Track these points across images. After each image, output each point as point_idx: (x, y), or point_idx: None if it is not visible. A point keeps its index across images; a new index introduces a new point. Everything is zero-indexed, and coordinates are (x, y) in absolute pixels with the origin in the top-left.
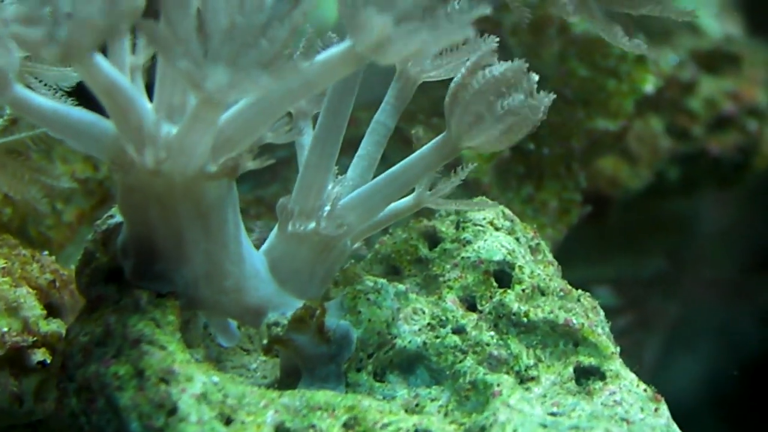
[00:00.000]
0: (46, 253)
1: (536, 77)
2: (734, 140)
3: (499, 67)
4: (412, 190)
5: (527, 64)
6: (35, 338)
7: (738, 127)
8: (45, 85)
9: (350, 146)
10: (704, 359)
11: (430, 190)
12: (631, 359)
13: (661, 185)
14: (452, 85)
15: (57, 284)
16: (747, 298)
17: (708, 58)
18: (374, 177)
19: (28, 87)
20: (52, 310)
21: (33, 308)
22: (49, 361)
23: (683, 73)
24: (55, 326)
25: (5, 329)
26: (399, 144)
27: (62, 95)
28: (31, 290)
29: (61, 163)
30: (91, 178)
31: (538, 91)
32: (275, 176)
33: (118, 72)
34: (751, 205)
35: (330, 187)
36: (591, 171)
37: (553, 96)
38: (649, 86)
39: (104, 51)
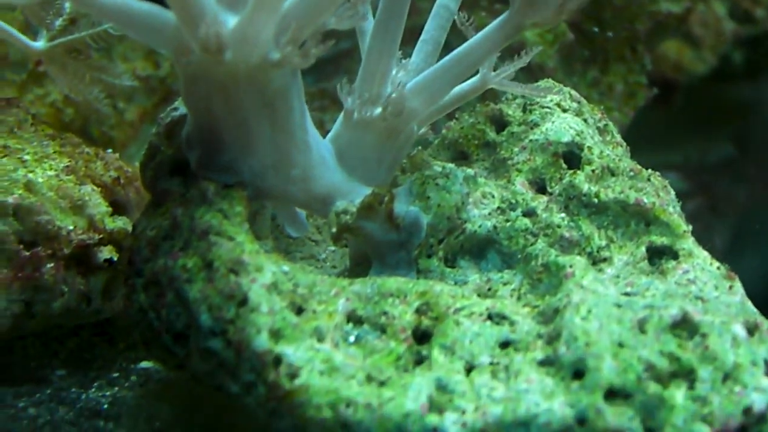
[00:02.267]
0: (110, 151)
1: None
2: None
3: None
4: (477, 73)
5: None
6: (101, 235)
7: None
8: None
9: (413, 35)
10: None
11: (494, 71)
12: (702, 243)
13: (725, 69)
14: None
15: (122, 181)
16: None
17: None
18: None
19: None
20: (118, 207)
21: (98, 205)
22: (116, 259)
23: None
24: (121, 223)
25: (71, 227)
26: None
27: None
28: (95, 188)
29: (122, 61)
30: (153, 76)
31: None
32: (338, 68)
33: None
34: None
35: (394, 72)
36: (655, 55)
37: None
38: None
39: None
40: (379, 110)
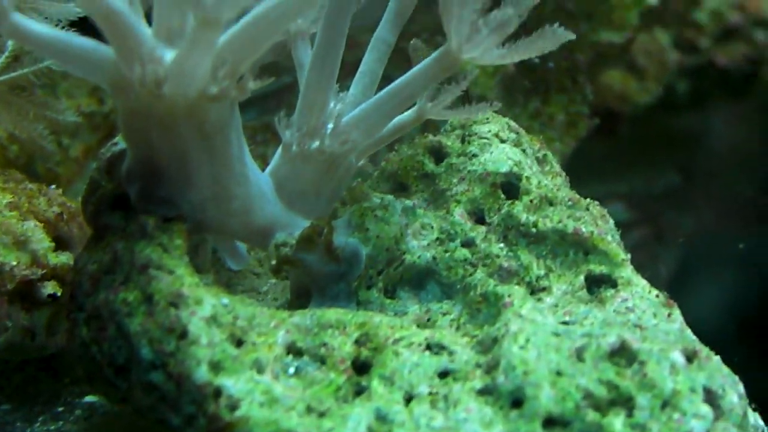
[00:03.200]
0: (54, 187)
1: None
2: (742, 51)
3: None
4: (415, 104)
5: None
6: (44, 271)
7: (745, 37)
8: (47, 20)
9: (352, 68)
10: (720, 272)
11: (432, 102)
12: (646, 272)
13: (670, 99)
14: None
15: (65, 217)
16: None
17: None
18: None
19: None
20: (61, 243)
21: (41, 241)
22: (59, 294)
23: None
24: (64, 258)
25: (14, 263)
26: (401, 63)
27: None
28: (38, 223)
29: (66, 98)
30: (97, 112)
31: (537, 7)
32: (281, 102)
33: None
34: (762, 118)
35: (332, 104)
36: (599, 86)
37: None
38: None
39: None
40: (317, 143)
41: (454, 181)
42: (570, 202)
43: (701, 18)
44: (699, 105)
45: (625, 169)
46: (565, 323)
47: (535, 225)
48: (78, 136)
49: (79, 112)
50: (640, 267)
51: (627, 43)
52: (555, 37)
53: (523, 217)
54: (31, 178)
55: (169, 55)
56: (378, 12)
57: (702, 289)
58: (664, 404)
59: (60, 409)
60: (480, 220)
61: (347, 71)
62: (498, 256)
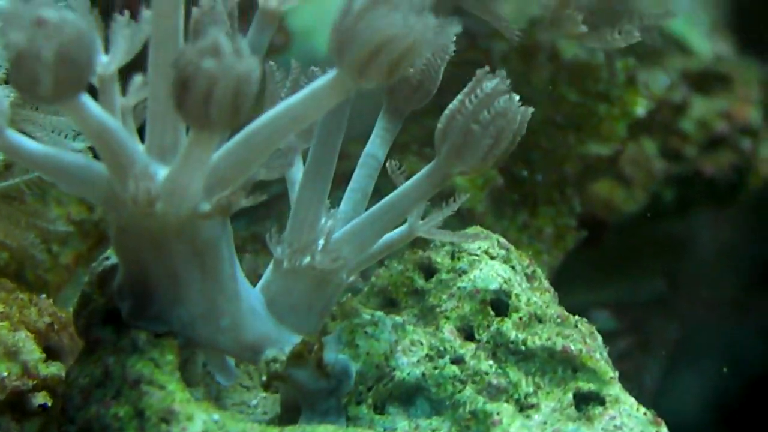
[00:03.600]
0: (44, 296)
1: (517, 97)
2: (728, 160)
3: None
4: (406, 221)
5: (508, 82)
6: (35, 381)
7: (731, 146)
8: (41, 126)
9: (342, 179)
10: (707, 378)
11: (423, 219)
12: (632, 382)
13: (656, 207)
14: (442, 117)
15: (56, 327)
16: (748, 315)
17: (699, 78)
18: (367, 209)
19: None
20: (52, 353)
21: (32, 352)
22: (49, 405)
23: (675, 94)
24: (54, 369)
25: (5, 374)
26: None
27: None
28: (29, 334)
29: (56, 205)
30: (87, 220)
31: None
32: (270, 212)
33: (108, 114)
34: (746, 223)
35: (323, 221)
36: (586, 195)
37: (531, 109)
38: (641, 109)
39: (94, 93)
40: (308, 259)
41: (444, 297)
42: (559, 320)
43: (688, 127)
44: (685, 212)
45: (610, 277)
46: None
47: (524, 342)
48: (68, 243)
49: (69, 219)
50: (625, 378)
51: (615, 155)
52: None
53: (513, 334)
54: (21, 284)
55: (161, 172)
56: (367, 123)
57: (686, 396)
58: None
59: None
60: (469, 336)
61: (336, 182)
62: (487, 374)
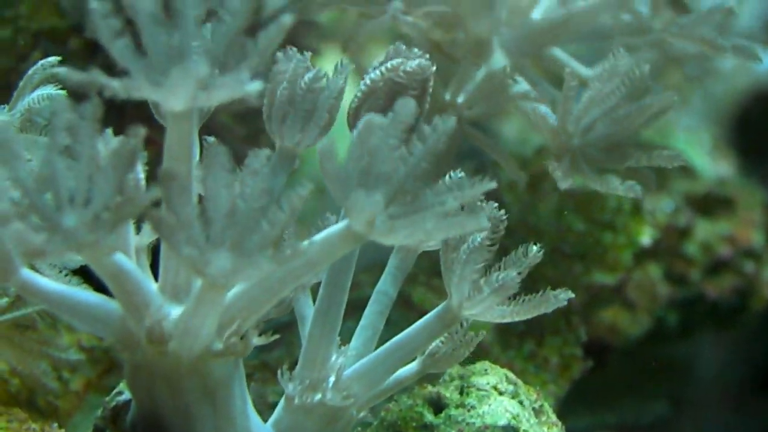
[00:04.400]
0: (56, 425)
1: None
2: (731, 283)
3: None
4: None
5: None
6: None
7: (734, 269)
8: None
9: (352, 308)
10: None
11: (433, 356)
12: None
13: (660, 331)
14: (442, 248)
15: None
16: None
17: (702, 201)
18: (378, 343)
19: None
20: None
21: None
22: None
23: (679, 218)
24: None
25: None
26: (401, 308)
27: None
28: None
29: (67, 332)
30: (97, 347)
31: (534, 244)
32: (279, 340)
33: (123, 256)
34: (750, 347)
35: (334, 357)
36: (592, 322)
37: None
38: (646, 238)
39: None
40: (319, 396)
41: None
42: None
43: (692, 251)
44: (688, 336)
45: (615, 400)
46: None
47: None
48: (78, 370)
49: (79, 346)
50: None
51: (621, 284)
52: (555, 301)
53: None
54: (32, 411)
55: (175, 311)
56: (377, 253)
57: None
58: None
59: None
60: None
61: (346, 312)
62: None
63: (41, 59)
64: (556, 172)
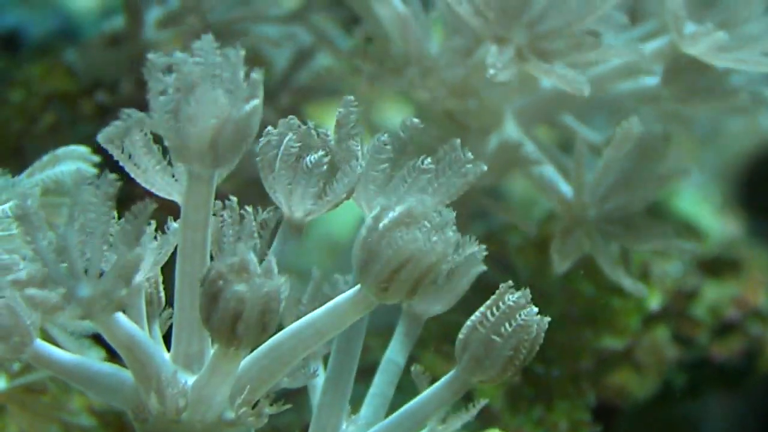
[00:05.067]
0: None
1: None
2: (738, 345)
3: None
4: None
5: (529, 296)
6: None
7: (742, 331)
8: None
9: (362, 372)
10: None
11: (442, 423)
12: None
13: (668, 392)
14: (464, 328)
15: None
16: None
17: (711, 263)
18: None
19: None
20: None
21: None
22: None
23: (687, 281)
24: None
25: None
26: (410, 373)
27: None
28: None
29: (78, 396)
30: (109, 411)
31: (544, 311)
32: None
33: (135, 326)
34: (757, 408)
35: (344, 426)
36: (600, 385)
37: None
38: (655, 303)
39: None
40: None
41: None
42: None
43: (700, 313)
44: (696, 397)
45: None
46: None
47: None
48: None
49: (91, 411)
50: None
51: (629, 349)
52: None
53: None
54: None
55: (188, 380)
56: (387, 317)
57: None
58: None
59: None
60: None
61: (356, 376)
62: None
63: (53, 122)
64: (554, 254)
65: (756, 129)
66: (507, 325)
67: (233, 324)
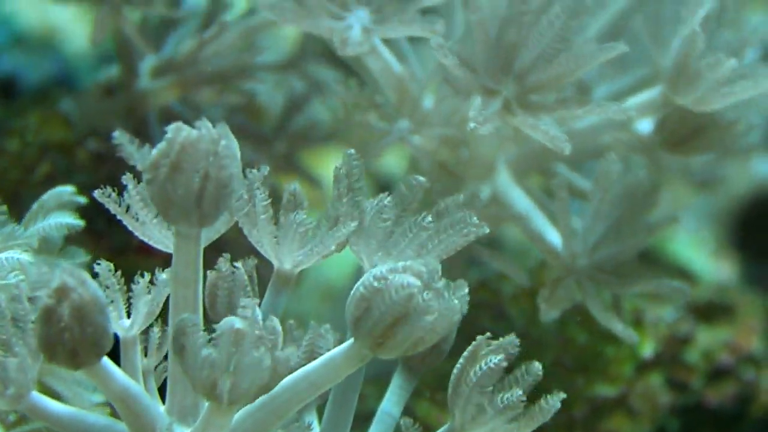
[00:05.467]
0: None
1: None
2: (732, 390)
3: (495, 357)
4: None
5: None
6: None
7: (735, 376)
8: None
9: (357, 420)
10: None
11: None
12: None
13: None
14: (453, 376)
15: None
16: None
17: (704, 308)
18: None
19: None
20: None
21: None
22: None
23: (681, 327)
24: None
25: None
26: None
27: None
28: None
29: None
30: None
31: (537, 359)
32: None
33: (129, 378)
34: None
35: None
36: (593, 430)
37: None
38: (648, 351)
39: (116, 356)
40: None
41: None
42: None
43: (693, 359)
44: None
45: None
46: None
47: None
48: None
49: None
50: None
51: (622, 397)
52: (550, 408)
53: None
54: None
55: None
56: (382, 365)
57: None
58: None
59: None
60: None
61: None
62: None
63: (49, 171)
64: (541, 304)
65: (750, 173)
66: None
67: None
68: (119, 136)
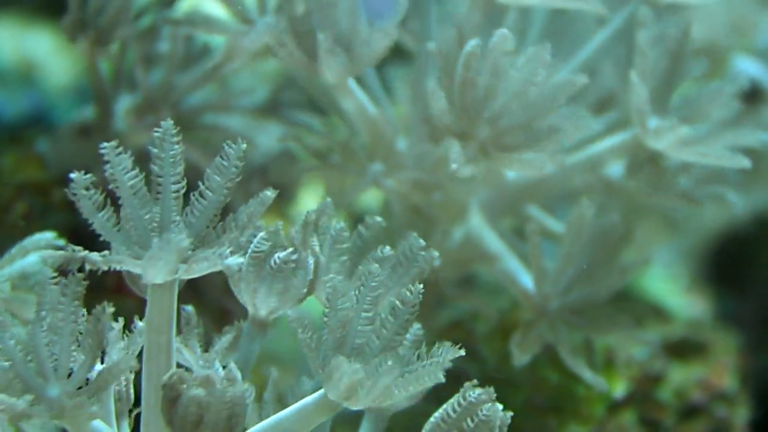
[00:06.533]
0: None
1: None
2: (704, 428)
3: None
4: None
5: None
6: None
7: (707, 413)
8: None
9: None
10: None
11: None
12: None
13: None
14: (427, 424)
15: None
16: None
17: (676, 346)
18: None
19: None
20: None
21: None
22: None
23: (653, 365)
24: None
25: None
26: None
27: None
28: None
29: None
30: None
31: (510, 399)
32: None
33: (104, 424)
34: None
35: None
36: None
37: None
38: (620, 391)
39: None
40: None
41: None
42: None
43: (665, 397)
44: None
45: None
46: None
47: None
48: None
49: None
50: None
51: None
52: None
53: None
54: None
55: None
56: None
57: None
58: None
59: None
60: None
61: None
62: None
63: (24, 212)
64: (514, 348)
65: (723, 209)
66: (469, 421)
67: (194, 428)
68: (77, 177)
